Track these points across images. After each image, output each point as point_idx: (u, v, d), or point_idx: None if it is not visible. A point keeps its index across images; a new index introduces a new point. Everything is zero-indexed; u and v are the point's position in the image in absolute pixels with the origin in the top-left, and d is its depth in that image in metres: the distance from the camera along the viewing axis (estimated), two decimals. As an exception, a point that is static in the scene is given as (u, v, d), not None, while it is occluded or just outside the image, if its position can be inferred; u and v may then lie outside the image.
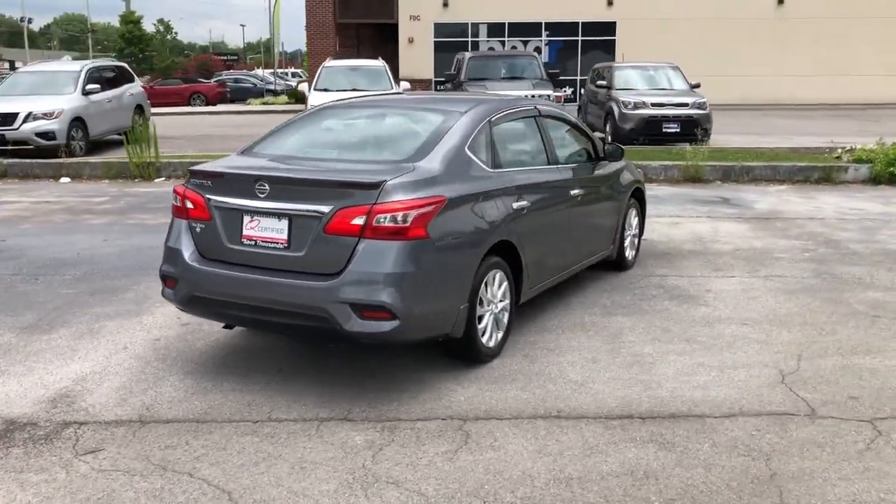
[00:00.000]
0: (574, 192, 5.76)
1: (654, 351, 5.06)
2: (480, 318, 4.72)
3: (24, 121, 14.43)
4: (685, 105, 15.17)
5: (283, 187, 4.31)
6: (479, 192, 4.65)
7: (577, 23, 28.79)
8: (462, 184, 4.56)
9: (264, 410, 4.19)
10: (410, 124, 5.04)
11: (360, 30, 34.41)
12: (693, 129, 14.44)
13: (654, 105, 15.12)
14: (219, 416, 4.13)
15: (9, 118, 14.43)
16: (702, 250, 7.86)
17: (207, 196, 4.52)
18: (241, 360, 4.91)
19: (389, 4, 29.11)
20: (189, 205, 4.61)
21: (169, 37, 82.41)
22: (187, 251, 4.59)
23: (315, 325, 4.21)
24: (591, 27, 28.80)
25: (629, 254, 7.06)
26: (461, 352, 4.71)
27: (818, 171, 12.60)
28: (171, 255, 4.65)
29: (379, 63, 16.68)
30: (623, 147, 6.82)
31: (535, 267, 5.27)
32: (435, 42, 27.98)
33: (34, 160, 13.55)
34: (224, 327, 4.99)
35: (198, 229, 4.58)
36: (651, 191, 11.71)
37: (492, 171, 4.88)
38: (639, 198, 7.24)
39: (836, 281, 6.71)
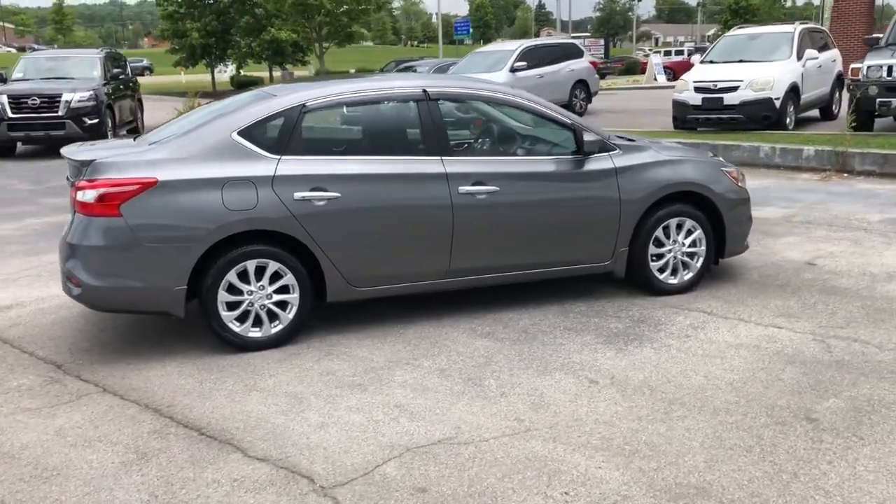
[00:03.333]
0: (467, 189, 4.99)
1: (402, 379, 4.32)
2: (235, 306, 4.70)
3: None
4: None
5: (70, 164, 4.97)
6: (233, 178, 4.60)
7: None
8: (203, 168, 4.59)
9: (31, 343, 5.03)
10: (230, 109, 5.08)
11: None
12: None
13: None
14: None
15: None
16: (852, 289, 5.66)
17: None
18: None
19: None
20: None
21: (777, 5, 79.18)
22: None
23: None
24: None
25: (668, 277, 5.58)
26: (214, 334, 4.78)
27: None
28: None
29: (788, 28, 14.30)
30: (604, 139, 5.39)
31: (360, 266, 4.88)
32: None
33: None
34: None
35: None
36: None
37: (275, 157, 4.72)
38: (704, 206, 5.60)
39: (913, 363, 4.35)
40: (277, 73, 36.43)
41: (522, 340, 4.84)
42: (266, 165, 4.68)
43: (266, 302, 4.74)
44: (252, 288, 4.70)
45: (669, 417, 3.80)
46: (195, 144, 4.67)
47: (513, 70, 17.29)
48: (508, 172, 5.14)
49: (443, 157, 5.00)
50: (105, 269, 4.51)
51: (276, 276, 4.74)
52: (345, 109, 5.12)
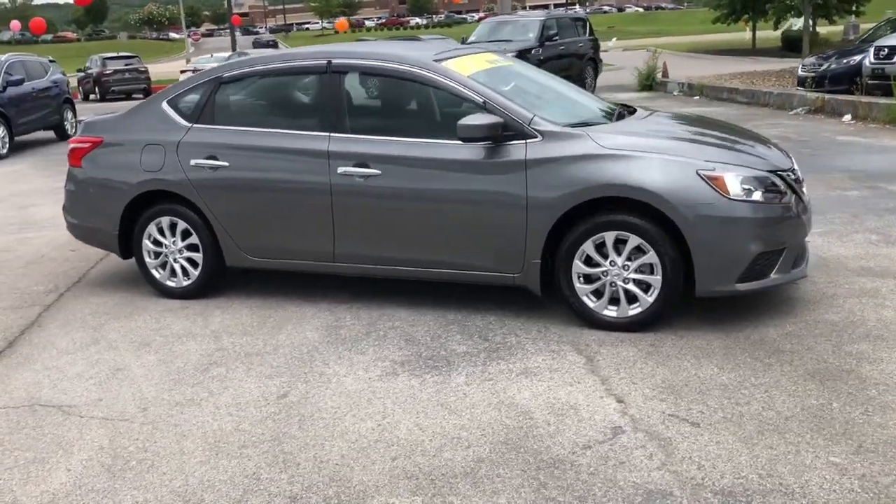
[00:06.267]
0: (346, 170, 4.67)
1: (179, 349, 4.46)
2: (158, 255, 5.33)
3: (902, 55, 13.53)
4: None
5: None
6: (150, 142, 5.13)
7: None
8: (139, 132, 5.25)
9: (99, 273, 6.39)
10: None
11: None
12: None
13: None
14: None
15: (892, 51, 13.78)
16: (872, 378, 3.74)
17: None
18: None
19: None
20: None
21: None
22: None
23: None
24: None
25: (603, 307, 4.33)
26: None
27: None
28: None
29: None
30: (488, 126, 4.28)
31: (248, 235, 5.01)
32: None
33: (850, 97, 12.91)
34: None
35: None
36: None
37: (188, 125, 5.12)
38: (664, 221, 4.19)
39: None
40: (834, 28, 32.69)
41: (339, 341, 4.41)
42: (177, 133, 5.11)
43: (178, 256, 5.23)
44: (167, 242, 5.23)
45: (146, 452, 3.28)
46: (142, 110, 5.35)
47: None
48: (393, 155, 4.59)
49: (331, 134, 4.74)
50: (74, 210, 5.55)
51: (187, 234, 5.18)
52: (258, 81, 5.16)
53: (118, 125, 5.39)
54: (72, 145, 5.48)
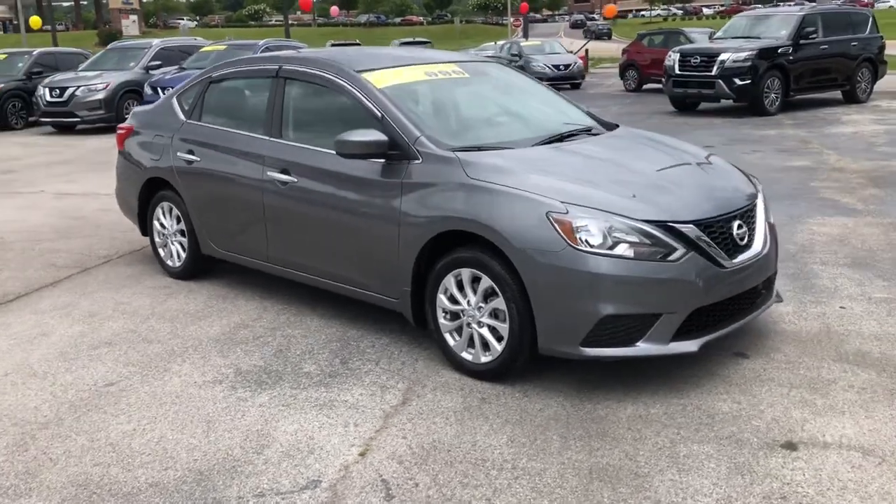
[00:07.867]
0: (271, 175, 4.73)
1: (106, 326, 4.91)
2: (162, 236, 5.87)
3: None
4: None
5: None
6: (158, 134, 5.63)
7: None
8: (155, 123, 5.75)
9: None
10: None
11: None
12: None
13: None
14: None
15: None
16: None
17: None
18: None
19: None
20: None
21: None
22: None
23: None
24: None
25: (461, 347, 3.98)
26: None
27: None
28: None
29: None
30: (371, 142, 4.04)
31: (211, 228, 5.30)
32: None
33: None
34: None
35: None
36: None
37: (184, 119, 5.53)
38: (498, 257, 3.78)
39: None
40: None
41: (224, 341, 4.53)
42: (176, 127, 5.53)
43: (174, 239, 5.71)
44: (168, 224, 5.73)
45: None
46: (162, 104, 5.86)
47: None
48: (306, 165, 4.57)
49: (271, 139, 4.85)
50: (118, 186, 6.25)
51: (179, 220, 5.63)
52: (232, 83, 5.33)
53: (145, 115, 5.95)
54: (118, 131, 6.15)
